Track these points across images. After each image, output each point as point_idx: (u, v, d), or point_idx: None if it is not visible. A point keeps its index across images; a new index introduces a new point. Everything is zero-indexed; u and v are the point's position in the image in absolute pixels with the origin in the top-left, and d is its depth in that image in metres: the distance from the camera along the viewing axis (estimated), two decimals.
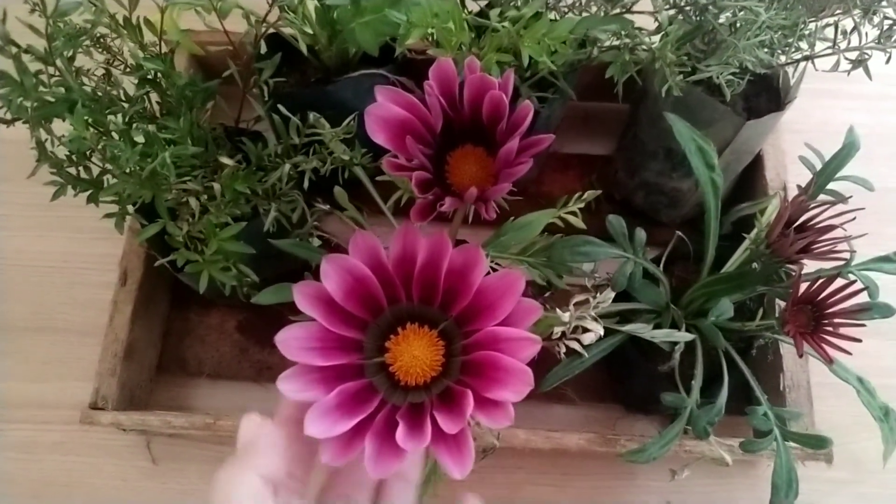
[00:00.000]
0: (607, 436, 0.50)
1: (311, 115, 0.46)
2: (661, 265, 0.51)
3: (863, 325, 0.37)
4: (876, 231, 0.64)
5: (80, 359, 0.59)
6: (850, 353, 0.38)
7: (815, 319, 0.38)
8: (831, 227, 0.38)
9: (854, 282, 0.39)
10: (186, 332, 0.61)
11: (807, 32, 0.52)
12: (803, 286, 0.39)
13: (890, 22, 0.51)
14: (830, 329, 0.37)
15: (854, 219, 0.39)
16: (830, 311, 0.38)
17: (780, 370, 0.52)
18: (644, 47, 0.48)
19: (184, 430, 0.52)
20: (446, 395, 0.33)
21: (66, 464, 0.57)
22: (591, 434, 0.50)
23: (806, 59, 0.53)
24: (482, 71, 0.37)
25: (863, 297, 0.41)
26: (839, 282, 0.39)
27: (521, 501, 0.56)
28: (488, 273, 0.37)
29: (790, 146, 0.62)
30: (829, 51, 0.52)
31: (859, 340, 0.37)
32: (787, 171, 0.62)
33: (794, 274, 0.40)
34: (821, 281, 0.38)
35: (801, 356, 0.37)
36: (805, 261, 0.40)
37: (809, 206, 0.39)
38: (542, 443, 0.49)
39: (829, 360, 0.37)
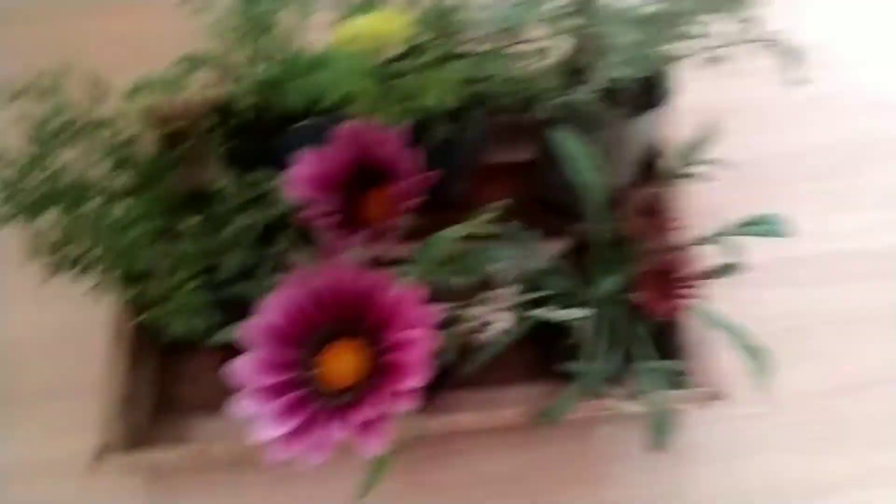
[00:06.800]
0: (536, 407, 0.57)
1: (252, 175, 0.55)
2: (577, 254, 0.60)
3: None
4: (764, 195, 0.72)
5: (84, 415, 0.61)
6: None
7: (666, 286, 0.47)
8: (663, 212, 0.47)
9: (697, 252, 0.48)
10: (179, 374, 0.66)
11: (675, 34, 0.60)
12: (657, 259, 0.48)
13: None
14: (680, 292, 0.46)
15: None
16: (678, 276, 0.47)
17: (680, 328, 0.59)
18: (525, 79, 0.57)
19: (181, 462, 0.60)
20: (368, 393, 0.42)
21: None
22: (524, 407, 0.57)
23: (675, 59, 0.61)
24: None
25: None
26: (689, 252, 0.48)
27: (479, 476, 0.62)
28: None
29: (692, 129, 0.69)
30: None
31: (698, 296, 0.46)
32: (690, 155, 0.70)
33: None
34: (671, 254, 0.47)
35: (651, 319, 0.45)
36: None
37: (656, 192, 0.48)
38: (482, 422, 0.57)
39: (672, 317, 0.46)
